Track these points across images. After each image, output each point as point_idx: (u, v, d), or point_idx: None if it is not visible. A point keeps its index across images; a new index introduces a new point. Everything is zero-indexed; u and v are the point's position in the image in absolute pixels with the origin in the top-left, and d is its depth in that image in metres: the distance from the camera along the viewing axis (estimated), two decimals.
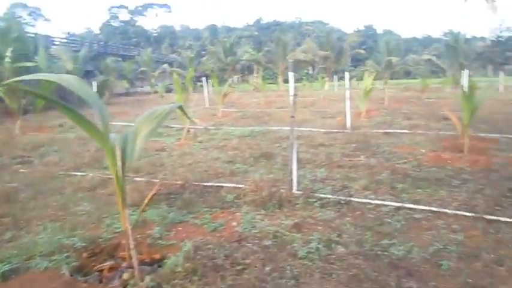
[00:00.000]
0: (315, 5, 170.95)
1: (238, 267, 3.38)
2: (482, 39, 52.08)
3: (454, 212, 4.60)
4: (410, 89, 31.79)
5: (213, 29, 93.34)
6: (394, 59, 41.35)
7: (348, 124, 11.33)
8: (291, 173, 5.47)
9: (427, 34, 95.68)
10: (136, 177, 6.53)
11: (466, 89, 8.00)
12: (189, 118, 8.18)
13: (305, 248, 3.71)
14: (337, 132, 10.90)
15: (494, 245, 3.78)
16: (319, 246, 3.74)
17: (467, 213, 4.54)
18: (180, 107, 3.72)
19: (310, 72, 55.69)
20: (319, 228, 4.23)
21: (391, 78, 47.85)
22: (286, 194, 5.25)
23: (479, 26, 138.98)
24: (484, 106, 17.60)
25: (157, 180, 6.24)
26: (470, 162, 6.90)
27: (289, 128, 5.59)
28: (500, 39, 46.25)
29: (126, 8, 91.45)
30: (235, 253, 3.63)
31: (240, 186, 5.80)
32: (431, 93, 25.52)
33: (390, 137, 9.80)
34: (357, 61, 62.91)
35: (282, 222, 4.38)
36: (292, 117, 5.45)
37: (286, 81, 56.94)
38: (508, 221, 4.31)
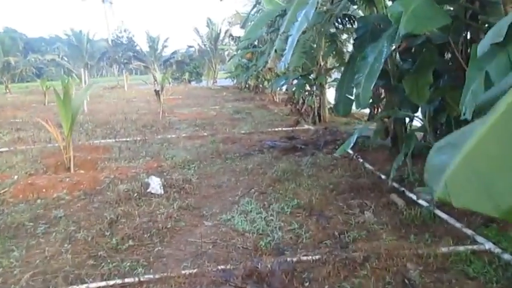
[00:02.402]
0: None
1: None
2: (106, 40, 53.33)
3: None
4: (36, 92, 28.62)
5: None
6: (13, 60, 36.50)
7: None
8: None
9: (54, 34, 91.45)
10: None
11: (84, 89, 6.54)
12: None
13: None
14: None
15: None
16: None
17: None
18: None
19: None
20: None
21: (17, 81, 42.49)
22: None
23: (101, 26, 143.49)
24: (106, 106, 17.27)
25: None
26: (72, 186, 5.35)
27: None
28: (121, 40, 48.31)
29: None
30: None
31: None
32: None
33: None
34: None
35: None
36: None
37: None
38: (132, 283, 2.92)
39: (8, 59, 35.92)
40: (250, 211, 4.29)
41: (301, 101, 11.70)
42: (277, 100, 17.46)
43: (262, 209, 4.31)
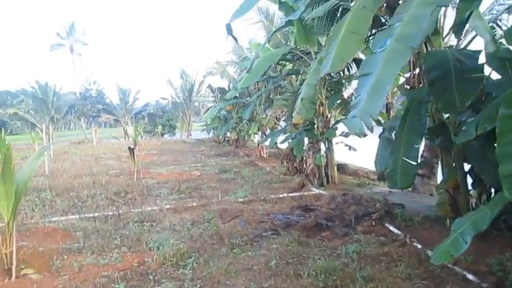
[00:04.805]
0: None
1: None
2: (74, 92, 51.43)
3: None
4: None
5: None
6: None
7: None
8: None
9: (21, 87, 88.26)
10: None
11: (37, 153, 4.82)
12: None
13: None
14: None
15: None
16: None
17: None
18: None
19: None
20: None
21: None
22: None
23: (69, 78, 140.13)
24: (71, 166, 15.13)
25: None
26: None
27: None
28: (90, 92, 46.68)
29: None
30: None
31: None
32: (20, 152, 20.96)
33: None
34: None
35: None
36: None
37: None
38: None
39: None
40: None
41: (299, 158, 10.14)
42: (265, 155, 15.85)
43: None
